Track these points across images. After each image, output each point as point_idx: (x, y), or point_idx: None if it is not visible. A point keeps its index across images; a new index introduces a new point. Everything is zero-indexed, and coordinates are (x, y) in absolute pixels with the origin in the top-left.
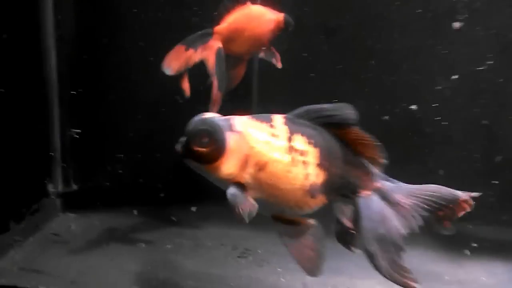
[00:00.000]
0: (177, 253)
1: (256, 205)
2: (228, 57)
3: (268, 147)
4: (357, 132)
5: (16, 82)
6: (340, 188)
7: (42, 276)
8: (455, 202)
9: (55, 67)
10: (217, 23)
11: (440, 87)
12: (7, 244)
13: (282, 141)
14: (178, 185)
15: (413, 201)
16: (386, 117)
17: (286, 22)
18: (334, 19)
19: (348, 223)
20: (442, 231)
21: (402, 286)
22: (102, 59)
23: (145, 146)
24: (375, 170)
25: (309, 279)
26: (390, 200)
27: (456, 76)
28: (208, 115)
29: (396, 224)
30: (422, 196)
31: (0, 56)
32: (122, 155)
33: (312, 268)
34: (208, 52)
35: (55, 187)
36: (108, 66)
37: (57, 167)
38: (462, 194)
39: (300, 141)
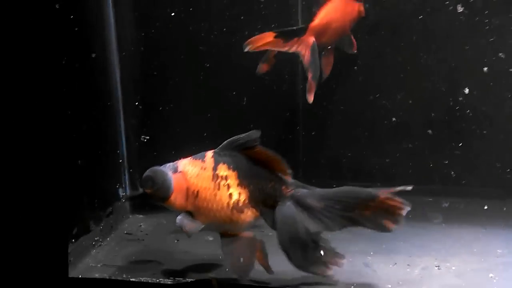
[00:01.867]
0: None
1: (198, 225)
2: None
3: (198, 178)
4: (264, 151)
5: (88, 97)
6: (264, 200)
7: (125, 270)
8: (374, 200)
9: (119, 80)
10: (312, 20)
11: None
12: (90, 244)
13: (208, 172)
14: None
15: (325, 203)
16: None
17: (366, 10)
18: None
19: None
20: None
21: (315, 274)
22: (163, 70)
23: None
24: (289, 180)
25: (369, 259)
26: (303, 205)
27: None
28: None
29: (306, 225)
30: (334, 198)
31: (73, 74)
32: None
33: (242, 274)
34: (303, 47)
35: (124, 191)
36: (170, 77)
37: (125, 173)
38: (380, 192)
39: (222, 169)
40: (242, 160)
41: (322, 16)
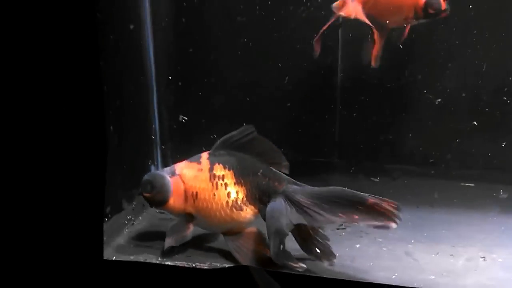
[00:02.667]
0: None
1: (185, 236)
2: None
3: (196, 180)
4: (262, 142)
5: (122, 71)
6: (261, 196)
7: (159, 251)
8: (364, 204)
9: (152, 54)
10: None
11: None
12: (122, 223)
13: (205, 173)
14: None
15: (314, 201)
16: None
17: (426, 3)
18: None
19: None
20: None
21: (285, 267)
22: (198, 45)
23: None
24: (282, 175)
25: (410, 247)
26: (292, 200)
27: None
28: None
29: (290, 218)
30: (323, 197)
31: (108, 47)
32: (215, 135)
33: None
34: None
35: (156, 168)
36: (205, 52)
37: (157, 150)
38: (370, 197)
39: (218, 169)
40: (237, 159)
41: None
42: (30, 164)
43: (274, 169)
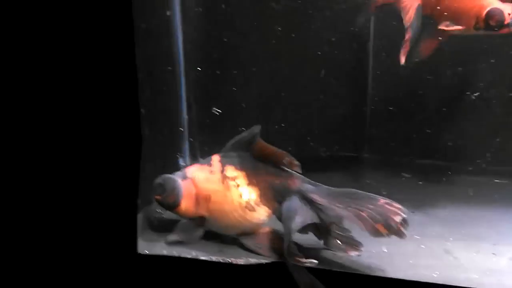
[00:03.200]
0: None
1: (195, 237)
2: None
3: (208, 182)
4: (267, 147)
5: (150, 61)
6: (275, 196)
7: (189, 246)
8: (375, 204)
9: (181, 44)
10: None
11: None
12: (152, 216)
13: (217, 175)
14: None
15: (328, 200)
16: None
17: (488, 14)
18: None
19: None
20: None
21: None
22: (228, 35)
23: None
24: (296, 174)
25: (449, 245)
26: (308, 199)
27: None
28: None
29: (306, 217)
30: (337, 196)
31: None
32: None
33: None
34: (408, 3)
35: (184, 161)
36: (236, 42)
37: (185, 142)
38: (382, 199)
39: (230, 170)
40: (248, 159)
41: None
42: (65, 155)
43: (286, 168)
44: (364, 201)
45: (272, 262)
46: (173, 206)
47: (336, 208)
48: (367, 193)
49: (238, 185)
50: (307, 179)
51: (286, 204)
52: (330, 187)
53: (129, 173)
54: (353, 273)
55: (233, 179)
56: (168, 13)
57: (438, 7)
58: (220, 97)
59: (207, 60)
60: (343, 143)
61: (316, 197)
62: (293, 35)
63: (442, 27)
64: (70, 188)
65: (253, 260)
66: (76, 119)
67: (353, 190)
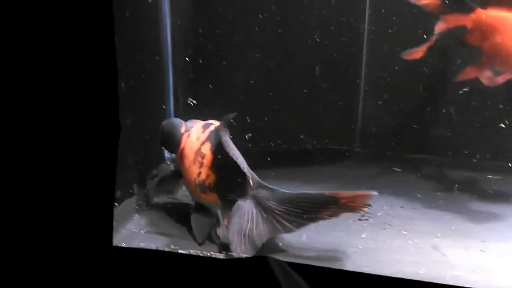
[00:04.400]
0: None
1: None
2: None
3: (190, 145)
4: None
5: (136, 50)
6: (227, 192)
7: (170, 239)
8: (335, 204)
9: (169, 34)
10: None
11: None
12: (133, 208)
13: (197, 144)
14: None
15: (286, 206)
16: None
17: None
18: None
19: (225, 221)
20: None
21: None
22: (216, 26)
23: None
24: (255, 179)
25: (437, 241)
26: (264, 206)
27: None
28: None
29: (261, 226)
30: (296, 202)
31: (122, 23)
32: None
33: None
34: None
35: (169, 154)
36: (225, 34)
37: None
38: (341, 195)
39: (206, 147)
40: (222, 148)
41: (494, 14)
42: (38, 145)
43: (251, 172)
44: (324, 204)
45: (253, 257)
46: (172, 145)
47: (295, 219)
48: (324, 194)
49: (201, 164)
50: (264, 184)
51: (238, 204)
52: (287, 192)
53: (105, 164)
54: (337, 269)
55: (203, 156)
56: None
57: (488, 44)
58: (208, 88)
59: (195, 50)
60: (334, 136)
61: (273, 205)
62: (286, 28)
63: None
64: (45, 180)
65: (233, 254)
66: (54, 106)
67: (312, 193)
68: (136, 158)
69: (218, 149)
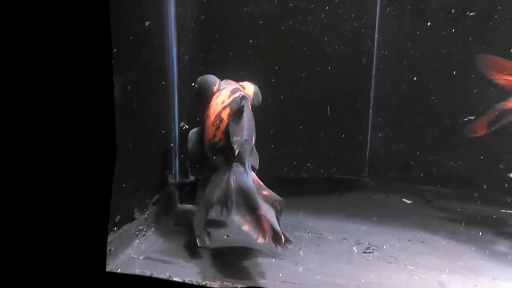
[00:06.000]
0: (299, 246)
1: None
2: None
3: (214, 107)
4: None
5: (141, 73)
6: (228, 159)
7: (169, 266)
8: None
9: (175, 58)
10: None
11: None
12: (133, 234)
13: (220, 107)
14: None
15: (241, 197)
16: None
17: None
18: None
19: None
20: None
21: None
22: (222, 44)
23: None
24: (242, 155)
25: (444, 277)
26: (231, 184)
27: None
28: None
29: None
30: (247, 198)
31: (124, 45)
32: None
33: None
34: None
35: (173, 177)
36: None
37: (175, 159)
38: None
39: (225, 112)
40: (244, 117)
41: None
42: (33, 165)
43: (245, 147)
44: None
45: (248, 287)
46: (203, 99)
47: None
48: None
49: (218, 127)
50: (246, 166)
51: (217, 173)
52: (257, 185)
53: (102, 187)
54: None
55: (220, 120)
56: (147, 23)
57: None
58: None
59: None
60: (342, 165)
61: (235, 186)
62: (293, 55)
63: None
64: (39, 199)
65: (228, 283)
66: (49, 128)
67: (277, 199)
68: (137, 182)
69: (236, 118)
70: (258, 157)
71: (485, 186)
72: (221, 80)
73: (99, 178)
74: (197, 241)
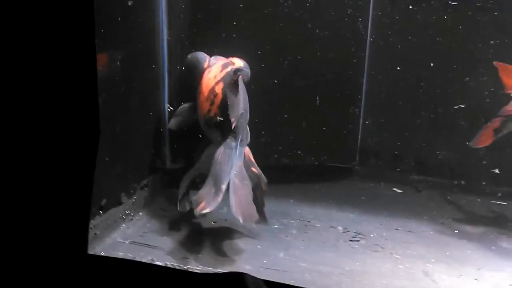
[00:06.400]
0: (285, 233)
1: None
2: None
3: (207, 82)
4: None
5: (130, 56)
6: (225, 133)
7: (155, 250)
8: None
9: (165, 41)
10: None
11: None
12: (119, 217)
13: (213, 82)
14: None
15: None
16: None
17: None
18: None
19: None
20: None
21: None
22: (213, 30)
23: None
24: (237, 129)
25: (429, 266)
26: (224, 153)
27: None
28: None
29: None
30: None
31: (114, 26)
32: None
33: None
34: None
35: (163, 163)
36: (220, 38)
37: (165, 143)
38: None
39: (219, 87)
40: (234, 92)
41: None
42: (13, 147)
43: (241, 122)
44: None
45: (230, 273)
46: (196, 76)
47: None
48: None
49: (213, 102)
50: (238, 139)
51: (211, 147)
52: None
53: (84, 170)
54: None
55: (214, 95)
56: (129, 3)
57: None
58: None
59: None
60: (333, 153)
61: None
62: (284, 45)
63: None
64: (21, 187)
65: (210, 268)
66: (30, 112)
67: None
68: (124, 166)
69: (229, 94)
70: (249, 131)
71: (476, 177)
72: (210, 57)
73: (81, 161)
74: (178, 205)
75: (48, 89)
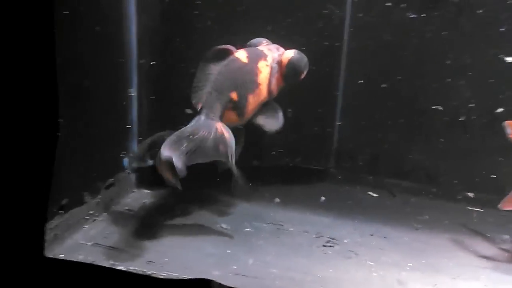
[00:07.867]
0: (257, 238)
1: None
2: None
3: None
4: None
5: (95, 49)
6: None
7: (119, 253)
8: None
9: (135, 34)
10: None
11: None
12: (82, 218)
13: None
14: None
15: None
16: None
17: None
18: None
19: None
20: None
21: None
22: (183, 28)
23: None
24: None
25: (404, 275)
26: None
27: None
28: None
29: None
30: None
31: (77, 19)
32: None
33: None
34: None
35: (130, 161)
36: (192, 35)
37: (133, 141)
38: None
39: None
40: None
41: None
42: None
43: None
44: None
45: (196, 279)
46: None
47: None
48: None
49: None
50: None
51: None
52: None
53: (41, 168)
54: None
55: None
56: None
57: None
58: (175, 95)
59: (162, 54)
60: (309, 154)
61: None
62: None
63: None
64: None
65: (175, 275)
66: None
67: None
68: (88, 164)
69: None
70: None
71: (452, 183)
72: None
73: (38, 156)
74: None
75: (1, 80)
